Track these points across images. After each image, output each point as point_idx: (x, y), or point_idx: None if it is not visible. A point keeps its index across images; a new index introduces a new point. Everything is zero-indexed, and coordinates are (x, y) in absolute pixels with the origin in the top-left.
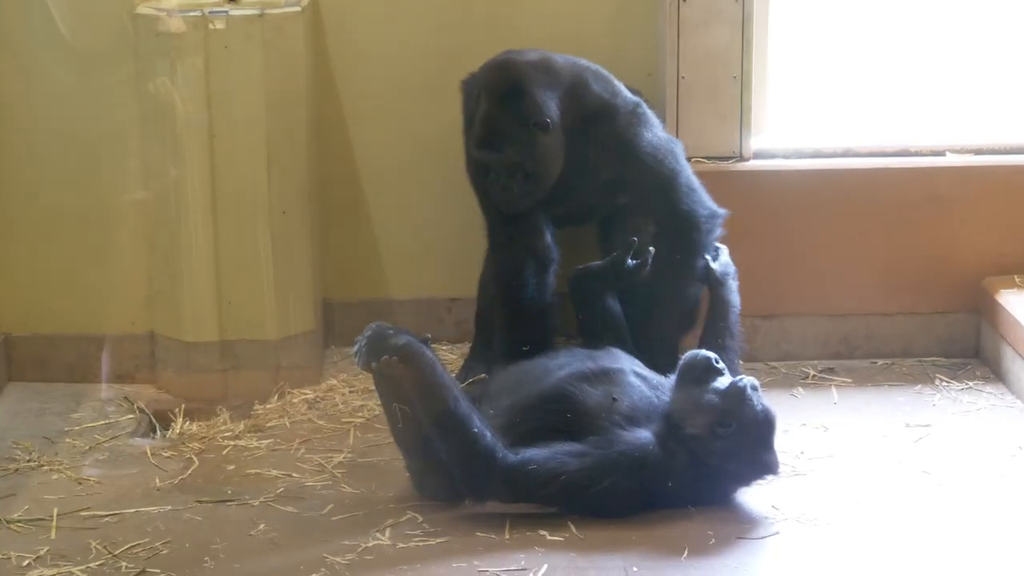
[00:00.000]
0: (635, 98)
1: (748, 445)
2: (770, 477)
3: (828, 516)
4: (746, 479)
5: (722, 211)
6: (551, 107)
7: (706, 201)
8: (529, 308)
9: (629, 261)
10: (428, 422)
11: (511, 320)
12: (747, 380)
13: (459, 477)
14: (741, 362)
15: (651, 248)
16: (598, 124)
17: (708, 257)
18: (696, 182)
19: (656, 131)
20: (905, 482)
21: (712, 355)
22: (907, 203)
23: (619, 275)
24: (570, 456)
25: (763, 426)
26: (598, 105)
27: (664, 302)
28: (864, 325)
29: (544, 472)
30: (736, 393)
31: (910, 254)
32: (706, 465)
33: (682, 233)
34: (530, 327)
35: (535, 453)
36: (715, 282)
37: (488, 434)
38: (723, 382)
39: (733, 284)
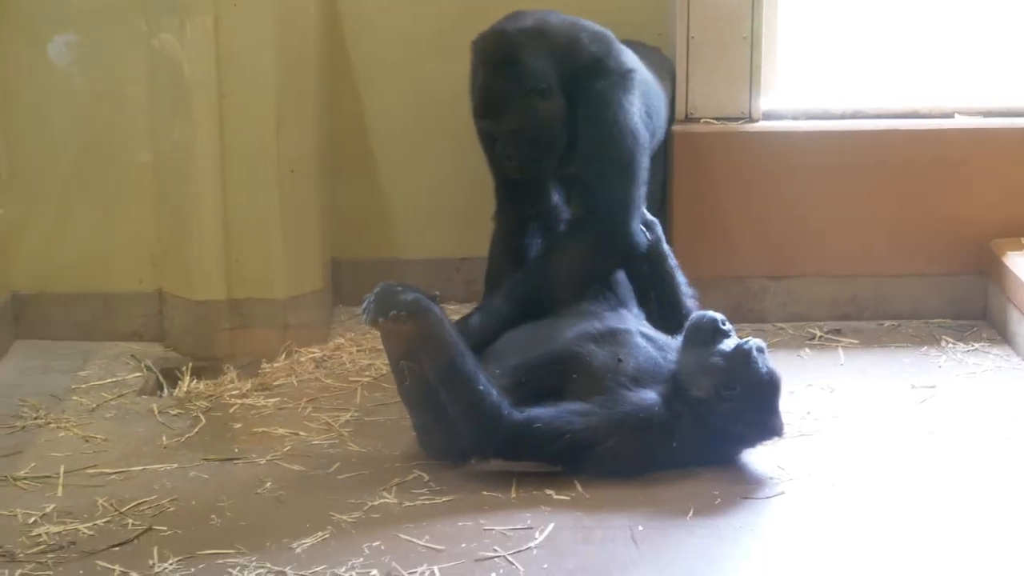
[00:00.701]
0: (631, 65)
1: (753, 408)
2: (775, 440)
3: (833, 476)
4: (751, 441)
5: (642, 243)
6: (547, 72)
7: (634, 216)
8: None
9: None
10: (434, 379)
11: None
12: (753, 342)
13: (464, 435)
14: (742, 321)
15: None
16: (589, 80)
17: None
18: (639, 191)
19: (633, 106)
20: (910, 443)
21: (719, 316)
22: (915, 165)
23: None
24: (575, 415)
25: (768, 388)
26: (590, 61)
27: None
28: (871, 286)
29: (549, 430)
30: (741, 355)
31: (918, 216)
32: (711, 427)
33: (598, 238)
34: (534, 288)
35: (541, 412)
36: (659, 258)
37: (494, 392)
38: (729, 344)
39: (667, 248)
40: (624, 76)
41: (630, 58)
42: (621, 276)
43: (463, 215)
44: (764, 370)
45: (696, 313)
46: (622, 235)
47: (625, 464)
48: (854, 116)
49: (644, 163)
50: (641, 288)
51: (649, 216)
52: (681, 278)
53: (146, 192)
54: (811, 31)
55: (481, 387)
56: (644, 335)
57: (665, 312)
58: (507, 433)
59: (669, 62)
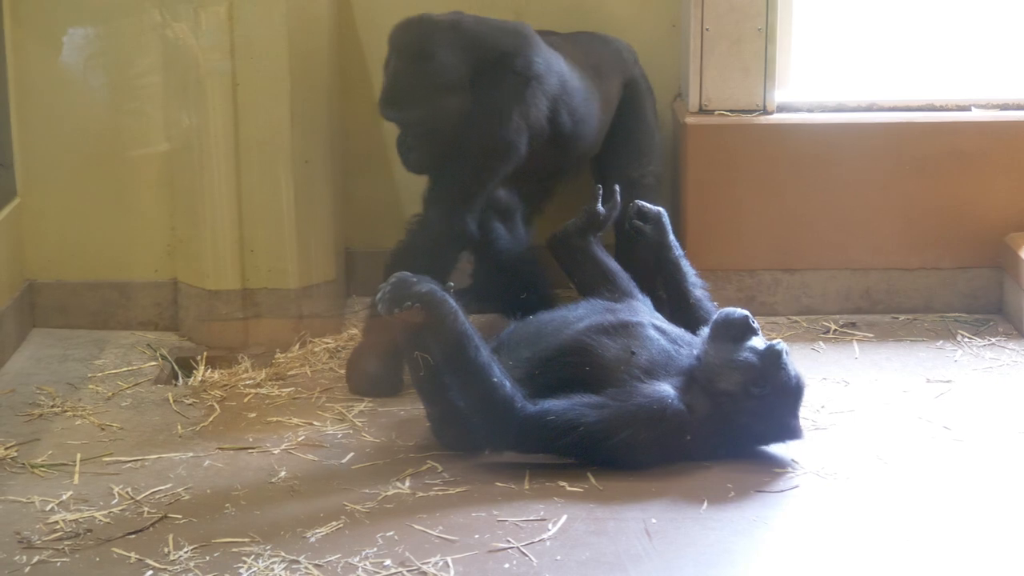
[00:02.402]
0: (539, 69)
1: (777, 408)
2: (791, 443)
3: (848, 470)
4: (767, 440)
5: (469, 234)
6: (457, 67)
7: (462, 216)
8: (502, 260)
9: (600, 208)
10: (448, 370)
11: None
12: (782, 344)
13: (478, 426)
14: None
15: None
16: (489, 78)
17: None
18: (484, 192)
19: (514, 112)
20: (925, 437)
21: (748, 314)
22: (931, 158)
23: (595, 224)
24: (588, 407)
25: (794, 391)
26: (497, 58)
27: None
28: (886, 280)
29: (562, 422)
30: (774, 355)
31: (933, 209)
32: (729, 422)
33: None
34: (505, 277)
35: (553, 404)
36: (658, 245)
37: (507, 384)
38: (759, 342)
39: (672, 238)
40: (522, 79)
41: (544, 59)
42: (608, 259)
43: None
44: (792, 373)
45: (724, 309)
46: (446, 224)
47: (638, 457)
48: (869, 109)
49: (494, 166)
50: (646, 277)
51: (653, 207)
52: (688, 268)
53: (161, 182)
54: (826, 23)
55: (495, 379)
56: (657, 327)
57: (672, 302)
58: (520, 425)
59: (628, 55)
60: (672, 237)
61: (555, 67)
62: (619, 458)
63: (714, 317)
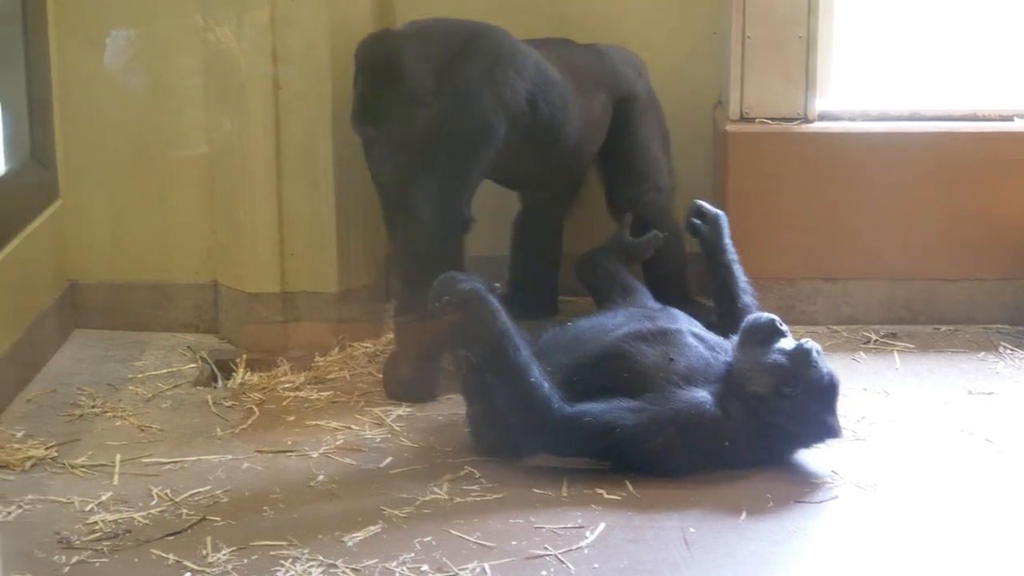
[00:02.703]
0: (508, 50)
1: (812, 407)
2: (831, 441)
3: (888, 482)
4: (806, 441)
5: (462, 222)
6: (426, 77)
7: (453, 204)
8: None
9: (625, 233)
10: (488, 369)
11: None
12: (811, 343)
13: (515, 425)
14: (796, 324)
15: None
16: (458, 60)
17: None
18: (469, 180)
19: (474, 96)
20: (966, 450)
21: (776, 317)
22: (973, 168)
23: (628, 253)
24: (626, 411)
25: (828, 389)
26: (460, 44)
27: None
28: (927, 290)
29: (599, 425)
30: (802, 354)
31: (976, 219)
32: (766, 425)
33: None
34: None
35: (591, 406)
36: (713, 246)
37: (546, 384)
38: (788, 343)
39: (728, 243)
40: (491, 58)
41: (513, 42)
42: (632, 280)
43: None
44: (824, 370)
45: (753, 314)
46: (440, 220)
47: (675, 462)
48: (911, 118)
49: (473, 150)
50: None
51: (713, 208)
52: (739, 274)
53: (202, 184)
54: (868, 31)
55: (533, 378)
56: (695, 335)
57: (720, 306)
58: (557, 426)
59: (625, 69)
60: (728, 240)
61: (529, 53)
62: (655, 463)
63: (743, 323)
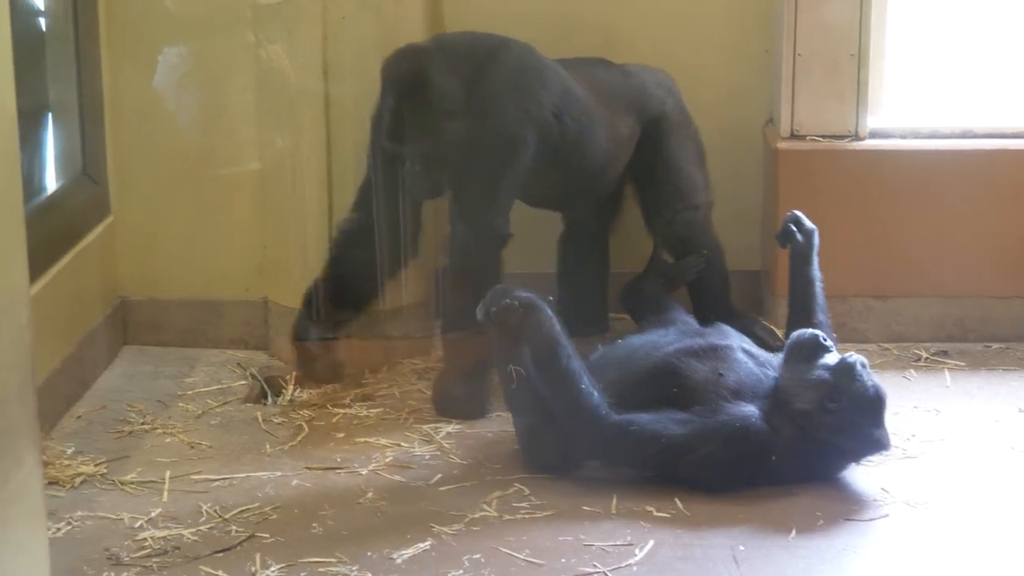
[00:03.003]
0: (532, 63)
1: (858, 420)
2: (881, 454)
3: (938, 500)
4: (855, 455)
5: (500, 236)
6: (455, 89)
7: (488, 219)
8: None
9: (665, 256)
10: (539, 376)
11: None
12: (856, 357)
13: (564, 433)
14: (846, 341)
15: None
16: (483, 73)
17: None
18: (504, 193)
19: (501, 108)
20: (1017, 468)
21: (819, 333)
22: None
23: (670, 277)
24: (672, 422)
25: (873, 402)
26: (483, 57)
27: None
28: (979, 308)
29: (646, 434)
30: (846, 369)
31: None
32: (813, 441)
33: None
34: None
35: (639, 416)
36: (800, 258)
37: (596, 393)
38: (832, 358)
39: (816, 259)
40: (515, 70)
41: (537, 56)
42: (686, 315)
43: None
44: (869, 383)
45: (796, 331)
46: (478, 235)
47: (721, 474)
48: (963, 135)
49: (504, 161)
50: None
51: (810, 223)
52: (819, 292)
53: (252, 201)
54: (919, 49)
55: (583, 386)
56: (746, 351)
57: (793, 319)
58: (604, 433)
59: (656, 89)
60: (816, 256)
61: (553, 67)
62: (700, 475)
63: (788, 340)
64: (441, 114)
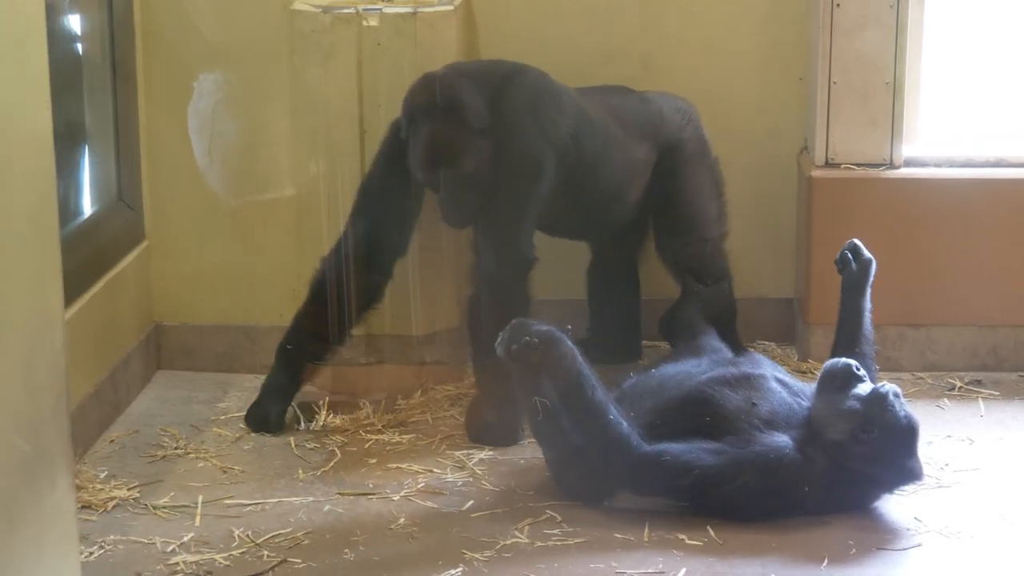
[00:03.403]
0: (548, 87)
1: (891, 451)
2: (914, 484)
3: (972, 530)
4: (888, 485)
5: (526, 261)
6: (481, 107)
7: (514, 244)
8: None
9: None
10: (565, 410)
11: None
12: (889, 387)
13: (595, 465)
14: (880, 369)
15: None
16: (500, 97)
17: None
18: (527, 218)
19: (520, 131)
20: None
21: (853, 362)
22: None
23: (705, 302)
24: (706, 452)
25: (906, 432)
26: (499, 80)
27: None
28: (1013, 337)
29: (678, 464)
30: (878, 399)
31: None
32: (847, 471)
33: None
34: None
35: (671, 446)
36: (852, 287)
37: (624, 424)
38: (864, 388)
39: (869, 290)
40: (532, 92)
41: (551, 81)
42: (700, 323)
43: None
44: (901, 413)
45: (830, 360)
46: (504, 264)
47: (754, 505)
48: (997, 164)
49: (526, 187)
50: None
51: (867, 253)
52: (868, 323)
53: (287, 227)
54: (955, 78)
55: (611, 416)
56: (779, 380)
57: (839, 347)
58: (635, 464)
59: (674, 116)
60: (869, 287)
61: (568, 92)
62: (733, 506)
63: (822, 369)
64: (474, 135)
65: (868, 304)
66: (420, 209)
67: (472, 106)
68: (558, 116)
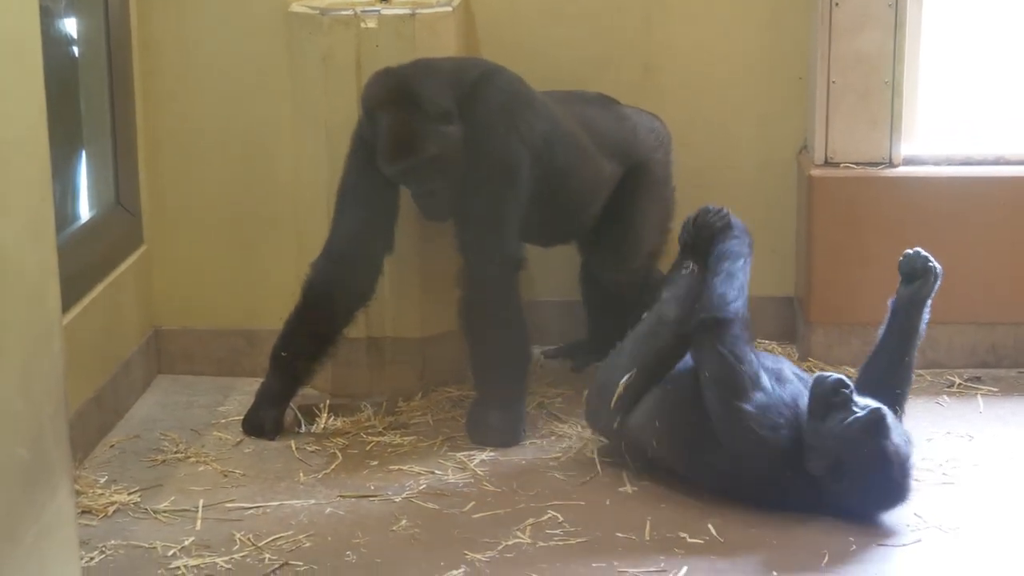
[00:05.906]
0: (521, 88)
1: (870, 485)
2: (898, 506)
3: (972, 525)
4: (869, 516)
5: (513, 261)
6: (443, 93)
7: (499, 245)
8: None
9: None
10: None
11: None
12: (869, 416)
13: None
14: None
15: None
16: (473, 97)
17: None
18: (510, 217)
19: (494, 133)
20: None
21: (843, 377)
22: None
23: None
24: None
25: (885, 466)
26: (474, 80)
27: None
28: (1012, 334)
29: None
30: (851, 436)
31: None
32: (830, 494)
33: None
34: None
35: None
36: (908, 303)
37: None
38: (841, 420)
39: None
40: (506, 94)
41: (524, 84)
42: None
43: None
44: (879, 446)
45: (818, 375)
46: (491, 264)
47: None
48: (997, 163)
49: (504, 188)
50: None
51: (939, 265)
52: (918, 337)
53: (287, 230)
54: (953, 76)
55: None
56: (796, 374)
57: (882, 354)
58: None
59: (647, 135)
60: (930, 302)
61: (540, 96)
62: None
63: (810, 387)
64: (431, 121)
65: (926, 318)
66: (398, 203)
67: (425, 93)
68: (533, 119)
